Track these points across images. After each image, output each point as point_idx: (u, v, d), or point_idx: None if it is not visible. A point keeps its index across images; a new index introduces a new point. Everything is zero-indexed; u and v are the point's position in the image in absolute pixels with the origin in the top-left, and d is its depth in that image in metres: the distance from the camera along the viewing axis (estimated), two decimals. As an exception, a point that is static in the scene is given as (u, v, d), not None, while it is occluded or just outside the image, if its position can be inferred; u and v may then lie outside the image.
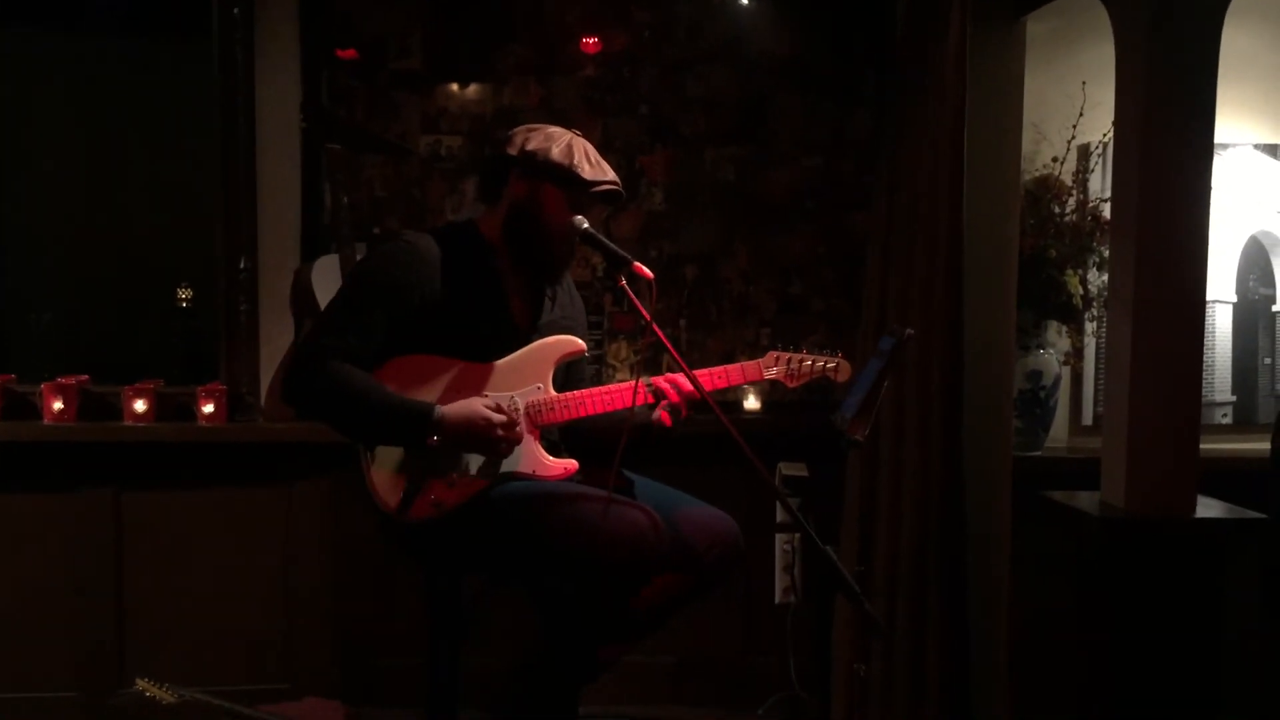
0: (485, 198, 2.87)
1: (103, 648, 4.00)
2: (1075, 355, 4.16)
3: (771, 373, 2.89)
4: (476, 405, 2.64)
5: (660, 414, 2.77)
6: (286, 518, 4.06)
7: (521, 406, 2.73)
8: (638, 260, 2.69)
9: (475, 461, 2.69)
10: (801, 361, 2.89)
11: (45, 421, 3.95)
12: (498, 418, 2.63)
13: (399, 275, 2.68)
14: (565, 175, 2.72)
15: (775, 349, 2.90)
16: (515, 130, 2.82)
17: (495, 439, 2.63)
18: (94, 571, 4.00)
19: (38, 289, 5.07)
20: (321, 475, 4.03)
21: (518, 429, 2.69)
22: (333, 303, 2.73)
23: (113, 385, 4.05)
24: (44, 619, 3.99)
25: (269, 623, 4.07)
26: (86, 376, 4.10)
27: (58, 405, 3.94)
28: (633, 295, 2.69)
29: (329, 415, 2.65)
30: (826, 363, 2.90)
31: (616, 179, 2.80)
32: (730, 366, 2.86)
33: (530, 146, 2.74)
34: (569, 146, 2.74)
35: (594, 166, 2.76)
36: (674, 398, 2.76)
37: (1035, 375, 4.03)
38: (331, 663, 4.08)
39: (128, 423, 3.98)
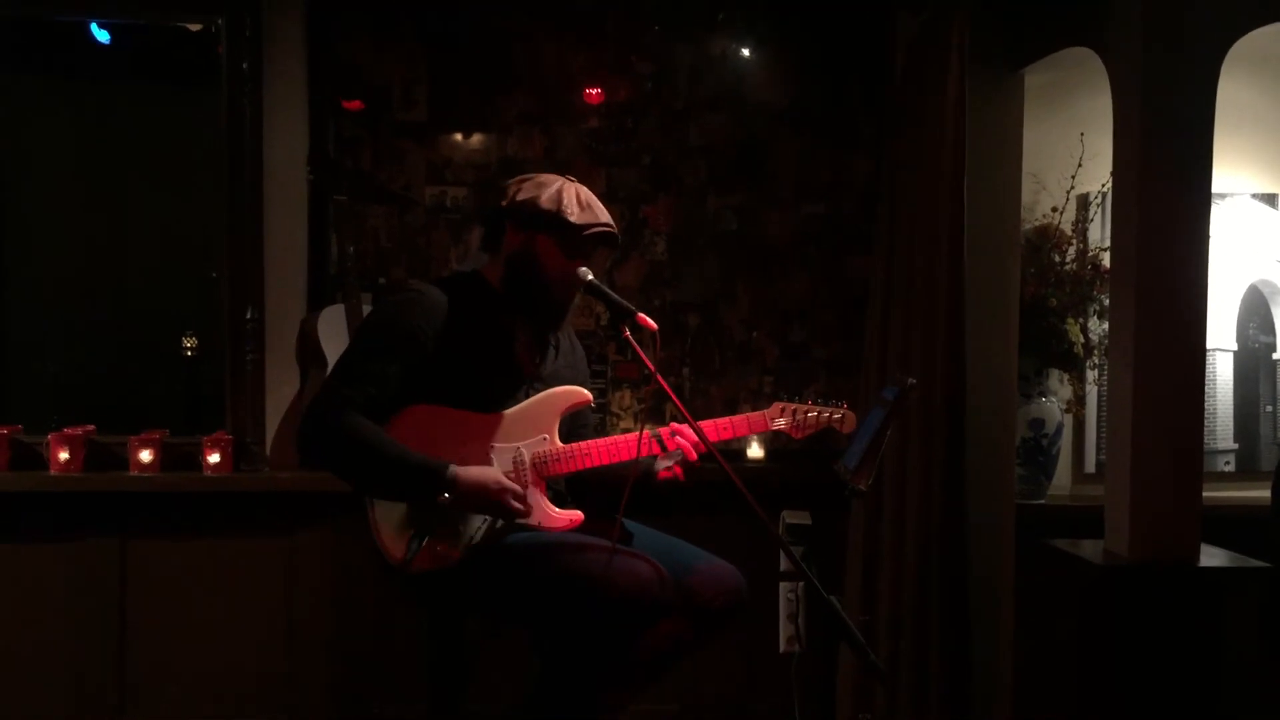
0: (487, 248, 2.89)
1: (106, 696, 3.99)
2: (1077, 403, 4.17)
3: (777, 424, 2.89)
4: (492, 471, 2.65)
5: (673, 466, 2.79)
6: (288, 566, 4.05)
7: (528, 458, 2.73)
8: (641, 309, 2.70)
9: (481, 521, 2.69)
10: (807, 413, 2.89)
11: (51, 472, 3.96)
12: (511, 486, 2.65)
13: (413, 324, 2.69)
14: (554, 221, 2.74)
15: (780, 399, 2.91)
16: (509, 181, 2.84)
17: (505, 505, 2.64)
18: (98, 620, 3.99)
19: (44, 338, 5.08)
20: (324, 524, 4.02)
21: (527, 503, 2.69)
22: (348, 352, 2.73)
23: (119, 435, 4.06)
24: (48, 668, 3.98)
25: (271, 671, 4.06)
26: (92, 427, 4.12)
27: (64, 455, 3.96)
28: (636, 346, 2.69)
29: (343, 468, 2.65)
30: (832, 414, 2.89)
31: (609, 221, 2.81)
32: (736, 418, 2.86)
33: (520, 197, 2.77)
34: (558, 193, 2.76)
35: (584, 210, 2.76)
36: (680, 446, 2.77)
37: (1037, 423, 4.05)
38: (332, 710, 4.06)
39: (133, 473, 3.98)
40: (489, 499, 2.62)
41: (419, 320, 2.69)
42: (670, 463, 2.80)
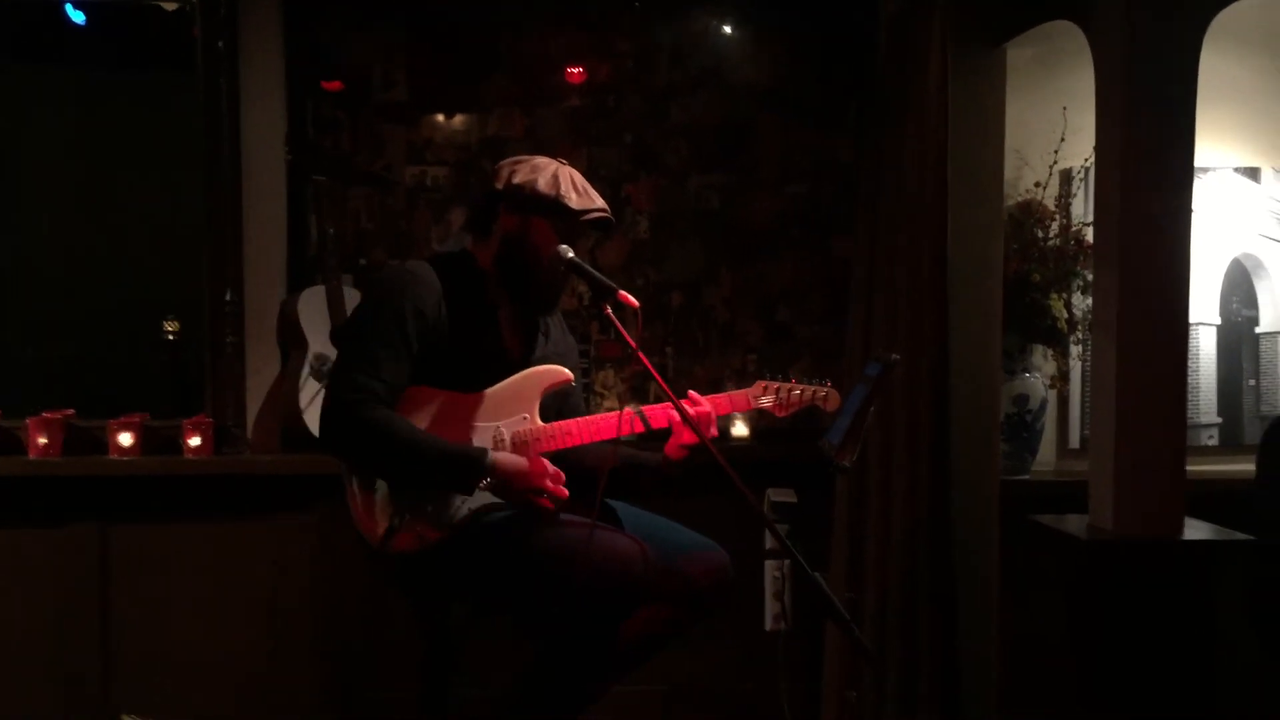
0: (474, 230, 2.85)
1: (88, 683, 3.98)
2: (1061, 379, 4.17)
3: (760, 402, 2.90)
4: (523, 460, 2.64)
5: (673, 450, 2.82)
6: (273, 550, 4.03)
7: (508, 437, 2.72)
8: (624, 288, 2.69)
9: (461, 501, 2.65)
10: (790, 391, 2.90)
11: (30, 456, 3.94)
12: (552, 469, 2.63)
13: (414, 301, 2.64)
14: (552, 206, 2.72)
15: (764, 378, 2.91)
16: (502, 163, 2.81)
17: (541, 489, 2.62)
18: (80, 606, 3.97)
19: (23, 322, 5.05)
20: (307, 507, 4.00)
21: (563, 488, 2.66)
22: (358, 338, 2.67)
23: (98, 419, 4.04)
24: (29, 654, 3.97)
25: (255, 655, 4.04)
26: (72, 410, 4.09)
27: (43, 440, 3.93)
28: (618, 324, 2.68)
29: (376, 463, 2.61)
30: (815, 392, 2.90)
31: (605, 206, 2.79)
32: (719, 396, 2.87)
33: (517, 180, 2.74)
34: (555, 177, 2.74)
35: (581, 195, 2.75)
36: (661, 424, 2.77)
37: (1021, 399, 4.04)
38: (318, 695, 4.05)
39: (113, 456, 3.96)
40: (525, 485, 2.61)
41: (417, 297, 2.65)
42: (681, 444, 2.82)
